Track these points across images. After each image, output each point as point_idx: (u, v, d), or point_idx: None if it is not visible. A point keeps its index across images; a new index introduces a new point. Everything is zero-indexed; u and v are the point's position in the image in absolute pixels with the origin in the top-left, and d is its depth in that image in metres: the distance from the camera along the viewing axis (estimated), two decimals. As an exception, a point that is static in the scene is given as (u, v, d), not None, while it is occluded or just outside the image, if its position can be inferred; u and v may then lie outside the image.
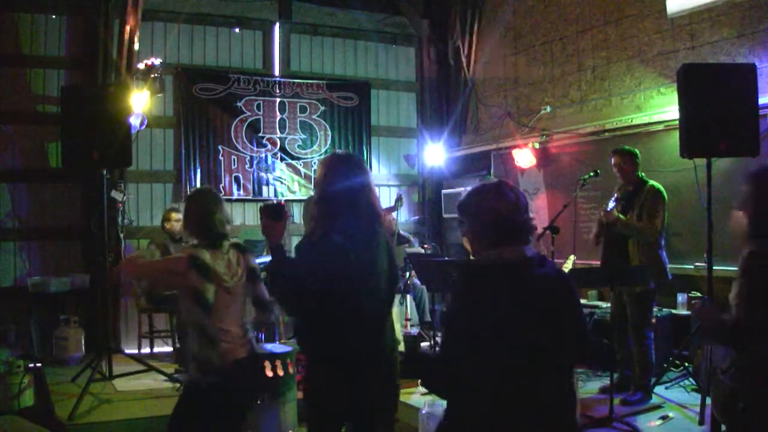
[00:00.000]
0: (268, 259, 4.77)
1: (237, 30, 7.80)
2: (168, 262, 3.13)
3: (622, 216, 4.85)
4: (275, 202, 2.83)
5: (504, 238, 2.12)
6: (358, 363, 2.68)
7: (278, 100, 7.92)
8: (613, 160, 5.06)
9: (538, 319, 2.07)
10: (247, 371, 3.07)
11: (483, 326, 2.06)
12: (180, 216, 6.38)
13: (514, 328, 2.05)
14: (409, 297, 6.89)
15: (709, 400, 4.18)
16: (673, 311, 5.70)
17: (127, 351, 6.20)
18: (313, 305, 2.65)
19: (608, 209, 4.90)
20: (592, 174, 5.26)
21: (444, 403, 2.34)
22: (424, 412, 4.03)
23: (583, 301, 6.32)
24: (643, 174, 5.04)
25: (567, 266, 5.52)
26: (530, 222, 2.19)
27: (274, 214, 2.66)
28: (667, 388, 5.13)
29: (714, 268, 4.69)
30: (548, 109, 7.32)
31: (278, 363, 4.11)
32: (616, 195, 5.02)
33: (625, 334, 4.98)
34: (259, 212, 2.69)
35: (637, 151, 5.05)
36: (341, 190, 2.69)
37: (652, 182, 4.98)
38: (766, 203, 2.60)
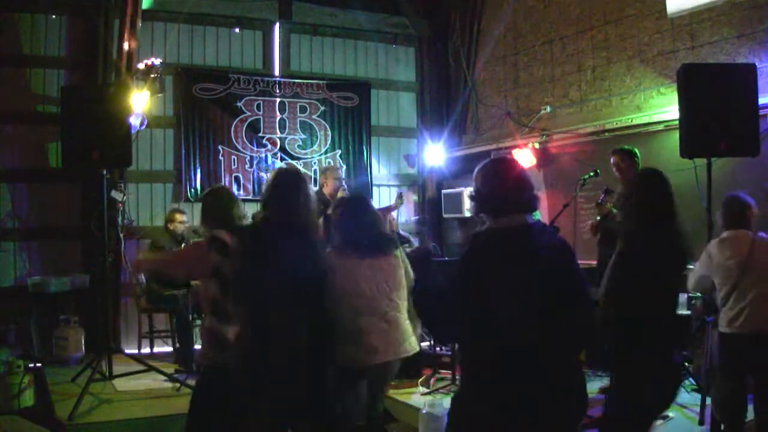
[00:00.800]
0: None
1: (237, 30, 7.80)
2: (188, 249, 3.28)
3: (614, 209, 4.87)
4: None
5: (507, 208, 2.29)
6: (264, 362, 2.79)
7: (278, 100, 7.92)
8: (612, 160, 5.10)
9: (537, 281, 2.18)
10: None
11: (484, 288, 2.19)
12: (184, 218, 6.46)
13: (513, 290, 2.17)
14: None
15: (709, 400, 4.18)
16: (673, 311, 5.69)
17: (127, 351, 6.21)
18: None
19: (599, 201, 4.92)
20: (592, 174, 5.27)
21: (445, 402, 2.38)
22: (424, 411, 4.03)
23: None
24: None
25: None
26: (532, 193, 2.35)
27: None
28: (667, 388, 5.13)
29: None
30: (548, 109, 7.32)
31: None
32: (606, 187, 5.05)
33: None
34: None
35: (637, 151, 5.07)
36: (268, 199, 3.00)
37: None
38: (637, 206, 3.02)
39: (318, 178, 8.06)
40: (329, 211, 6.25)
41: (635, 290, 2.98)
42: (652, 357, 2.93)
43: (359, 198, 3.49)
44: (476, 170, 2.44)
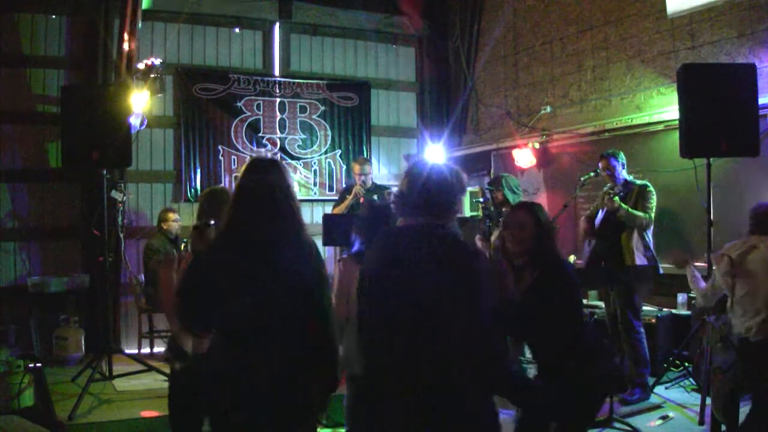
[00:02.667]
0: None
1: (237, 30, 7.80)
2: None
3: (623, 204, 4.89)
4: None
5: (406, 210, 2.35)
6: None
7: (278, 100, 7.92)
8: (601, 165, 5.13)
9: (403, 283, 2.18)
10: None
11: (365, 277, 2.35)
12: (177, 216, 6.51)
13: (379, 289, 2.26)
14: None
15: (709, 400, 4.18)
16: (673, 311, 5.70)
17: (127, 351, 6.20)
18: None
19: (611, 197, 4.94)
20: (592, 174, 5.28)
21: None
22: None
23: (582, 301, 6.31)
24: (630, 176, 5.15)
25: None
26: (420, 197, 2.31)
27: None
28: (667, 388, 5.13)
29: (714, 267, 4.69)
30: (548, 109, 7.32)
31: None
32: (612, 185, 5.08)
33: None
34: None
35: (622, 153, 5.14)
36: (244, 188, 2.59)
37: (640, 181, 5.12)
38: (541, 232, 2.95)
39: (317, 179, 8.10)
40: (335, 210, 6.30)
41: None
42: None
43: (378, 209, 3.35)
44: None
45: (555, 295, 2.81)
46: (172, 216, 6.53)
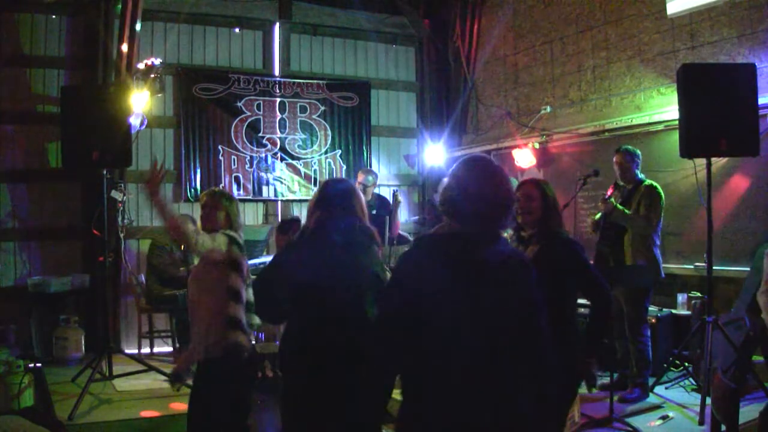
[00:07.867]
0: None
1: (237, 30, 7.80)
2: (214, 236, 3.44)
3: (619, 206, 4.88)
4: (291, 217, 2.97)
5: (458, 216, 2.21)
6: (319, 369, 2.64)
7: (278, 100, 7.92)
8: (615, 158, 5.11)
9: (484, 298, 1.97)
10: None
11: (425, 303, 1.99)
12: (193, 227, 6.46)
13: (455, 306, 1.97)
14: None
15: (709, 400, 4.18)
16: (673, 311, 5.70)
17: (127, 351, 6.21)
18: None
19: (606, 197, 4.93)
20: (591, 174, 5.27)
21: None
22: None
23: (582, 300, 6.30)
24: (642, 175, 5.08)
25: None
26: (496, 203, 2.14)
27: (284, 226, 2.88)
28: (667, 388, 5.13)
29: (714, 268, 4.70)
30: (548, 109, 7.32)
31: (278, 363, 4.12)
32: (615, 182, 5.07)
33: (625, 332, 5.00)
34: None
35: (639, 152, 5.09)
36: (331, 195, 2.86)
37: (649, 181, 5.05)
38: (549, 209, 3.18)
39: (318, 178, 8.10)
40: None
41: None
42: None
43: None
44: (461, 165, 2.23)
45: (551, 268, 2.86)
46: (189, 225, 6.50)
